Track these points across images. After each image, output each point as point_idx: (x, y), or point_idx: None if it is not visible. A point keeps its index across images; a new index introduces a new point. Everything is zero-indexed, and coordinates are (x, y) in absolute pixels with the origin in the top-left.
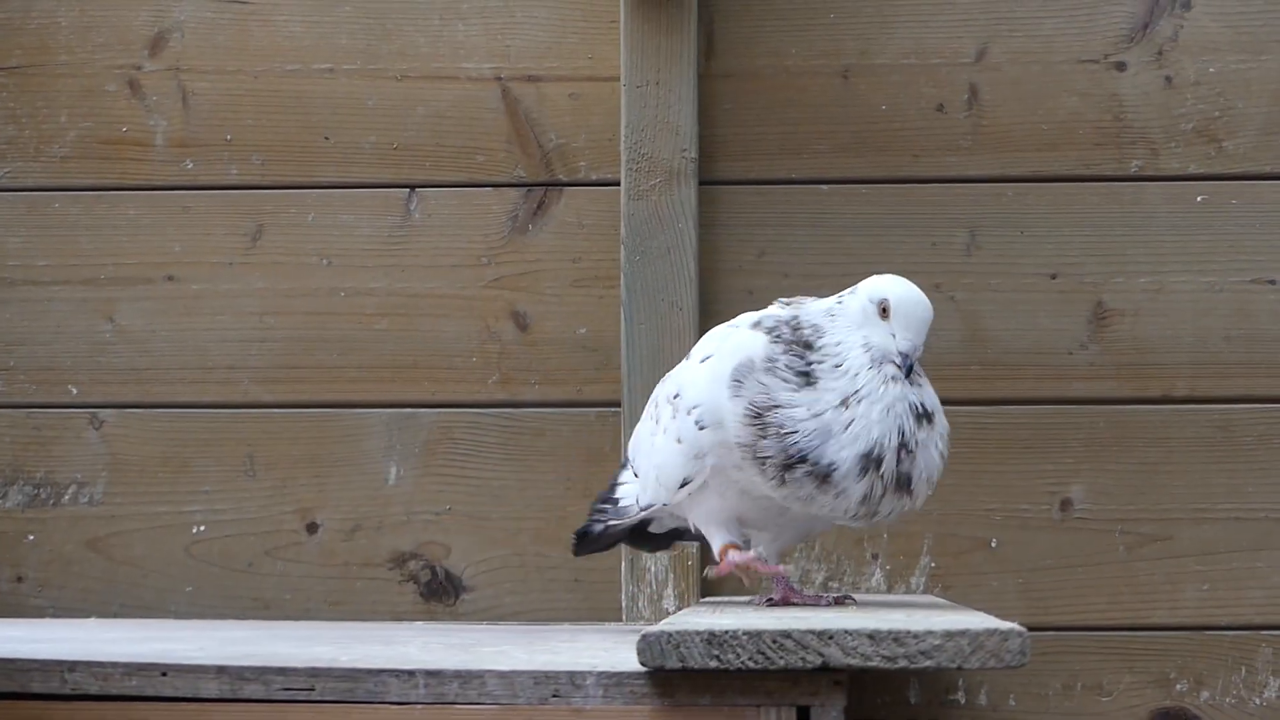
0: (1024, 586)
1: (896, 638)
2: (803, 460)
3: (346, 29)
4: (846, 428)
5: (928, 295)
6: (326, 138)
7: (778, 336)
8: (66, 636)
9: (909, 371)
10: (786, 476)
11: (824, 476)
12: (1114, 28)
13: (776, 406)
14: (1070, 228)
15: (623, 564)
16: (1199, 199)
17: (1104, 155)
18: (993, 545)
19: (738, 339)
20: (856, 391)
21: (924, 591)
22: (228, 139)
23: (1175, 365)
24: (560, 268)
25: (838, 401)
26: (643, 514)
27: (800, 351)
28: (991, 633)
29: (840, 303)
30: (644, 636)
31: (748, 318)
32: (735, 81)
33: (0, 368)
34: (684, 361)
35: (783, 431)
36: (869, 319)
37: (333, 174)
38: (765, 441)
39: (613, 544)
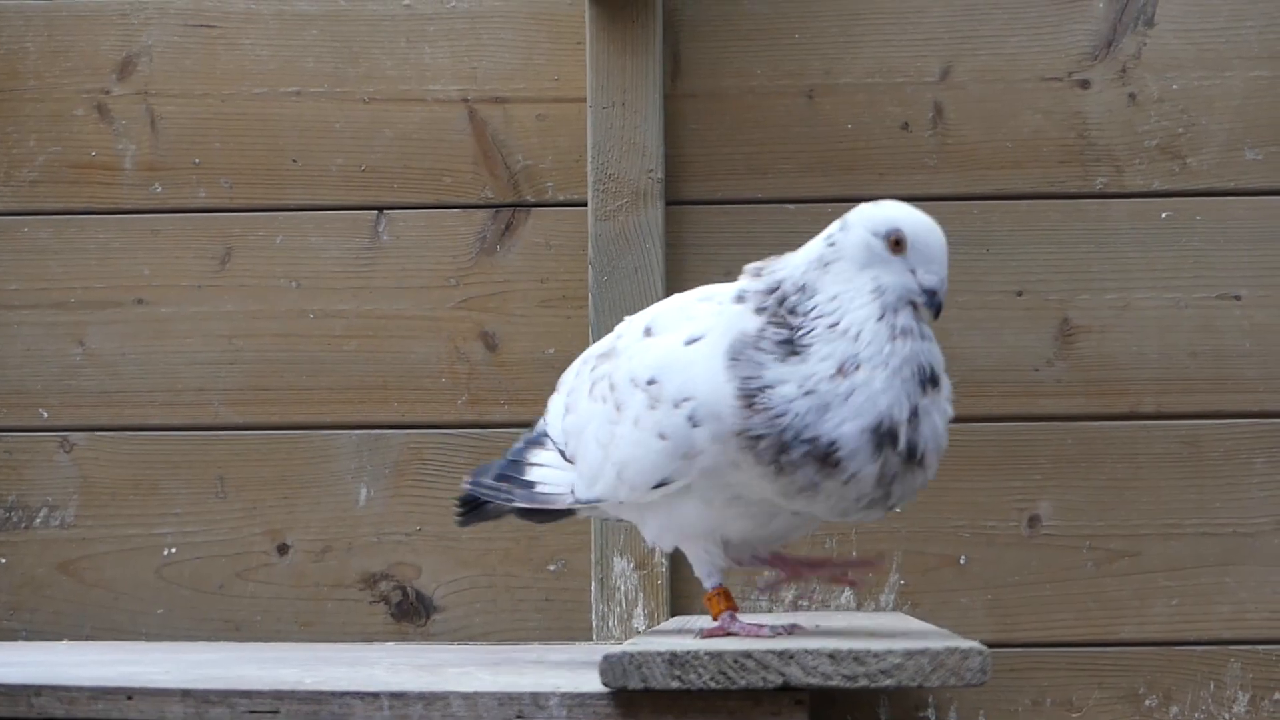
0: (993, 603)
1: (857, 657)
2: (800, 441)
3: (313, 52)
4: (847, 399)
5: None
6: (294, 160)
7: (762, 308)
8: (35, 660)
9: (938, 311)
10: (783, 460)
11: (824, 457)
12: (1077, 45)
13: (766, 387)
14: (1035, 245)
15: (593, 584)
16: (1163, 215)
17: (1069, 172)
18: (961, 562)
19: (729, 316)
20: (855, 355)
21: (893, 609)
22: (196, 162)
23: (1142, 381)
24: (528, 288)
25: (833, 370)
26: (576, 505)
27: (784, 318)
28: (952, 651)
29: (832, 244)
30: (606, 657)
31: (724, 290)
32: (701, 102)
33: None
34: (639, 333)
35: (772, 414)
36: (875, 256)
37: (301, 196)
38: (757, 424)
39: (500, 516)
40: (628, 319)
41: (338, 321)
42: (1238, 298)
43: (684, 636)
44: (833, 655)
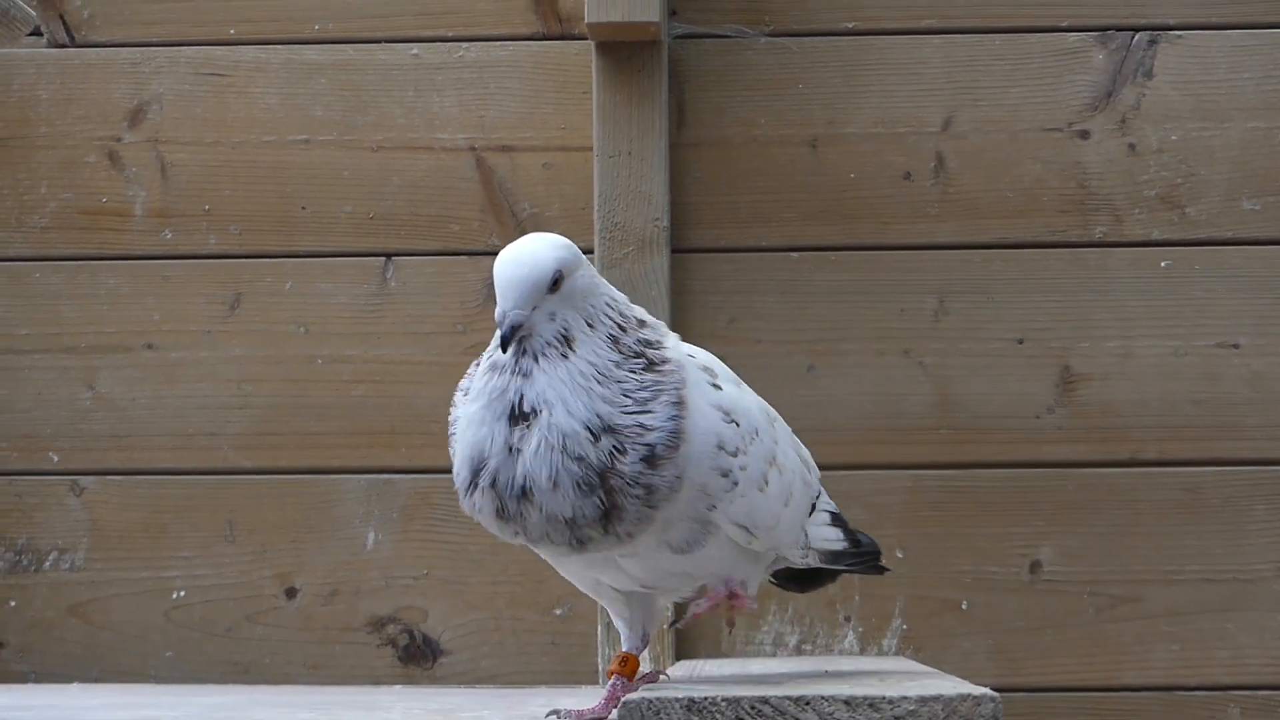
0: (995, 648)
1: (872, 703)
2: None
3: (323, 100)
4: (459, 435)
5: (896, 360)
6: (303, 207)
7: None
8: (50, 703)
9: (505, 342)
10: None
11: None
12: (1078, 96)
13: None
14: (1037, 293)
15: (599, 628)
16: (1163, 264)
17: (1069, 221)
18: (964, 607)
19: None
20: (468, 389)
21: (896, 653)
22: (206, 209)
23: (1143, 429)
24: None
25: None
26: None
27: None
28: (965, 698)
29: None
30: (624, 703)
31: None
32: (706, 151)
33: None
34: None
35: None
36: None
37: (310, 243)
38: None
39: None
40: None
41: (346, 367)
42: (1237, 346)
43: (703, 678)
44: (849, 701)
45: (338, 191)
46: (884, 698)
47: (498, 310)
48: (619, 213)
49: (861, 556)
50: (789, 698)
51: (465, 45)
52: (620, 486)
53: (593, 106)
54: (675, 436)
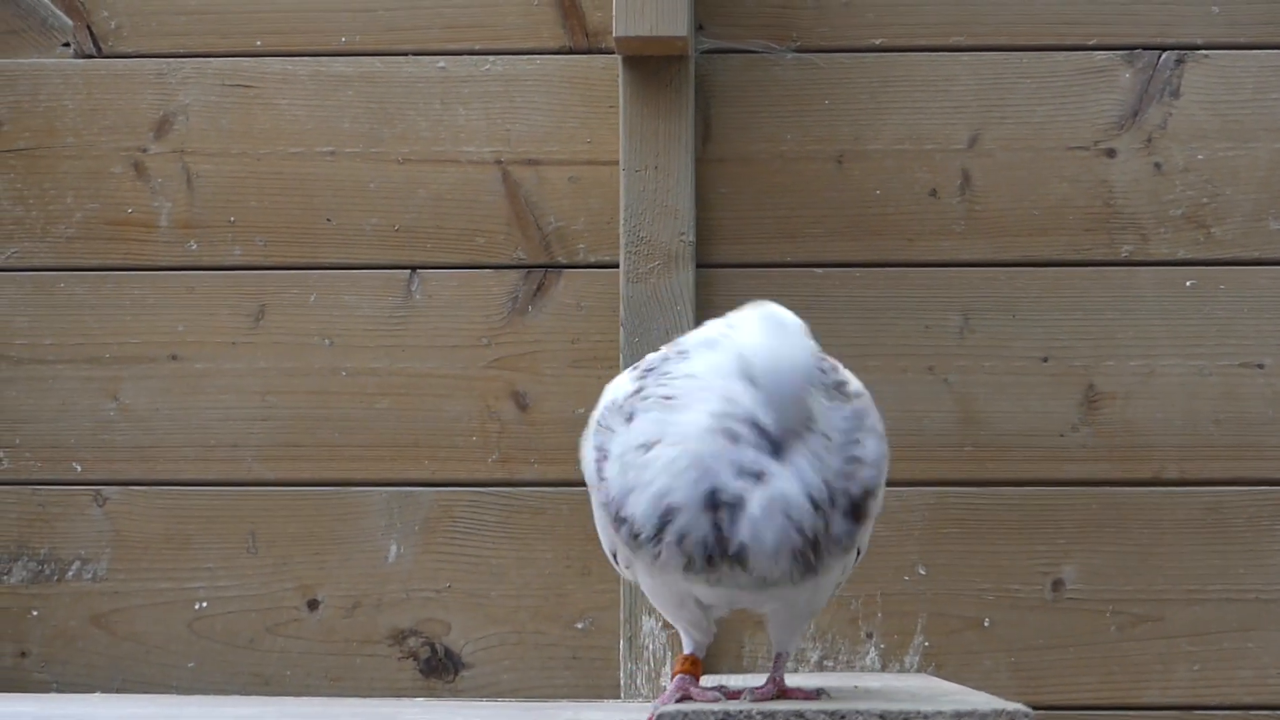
0: (1016, 665)
1: (907, 717)
2: (618, 517)
3: (349, 113)
4: (642, 470)
5: (920, 377)
6: (329, 220)
7: (638, 372)
8: (76, 713)
9: (780, 449)
10: (623, 534)
11: (627, 529)
12: (1104, 115)
13: (607, 456)
14: (1061, 311)
15: (621, 642)
16: (1188, 284)
17: (1094, 240)
18: (985, 624)
19: (613, 382)
20: (665, 434)
21: (917, 670)
22: (231, 220)
23: (1166, 448)
24: (559, 349)
25: (640, 440)
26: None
27: (648, 382)
28: (999, 713)
29: (729, 329)
30: (661, 716)
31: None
32: (732, 166)
33: (6, 445)
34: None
35: (607, 485)
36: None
37: (335, 255)
38: (603, 495)
39: None
40: None
41: (370, 379)
42: (1261, 366)
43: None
44: (883, 716)
45: (363, 204)
46: (919, 712)
47: (773, 423)
48: (645, 227)
49: None
50: (824, 711)
51: (492, 59)
52: (828, 547)
53: (619, 121)
54: (880, 473)
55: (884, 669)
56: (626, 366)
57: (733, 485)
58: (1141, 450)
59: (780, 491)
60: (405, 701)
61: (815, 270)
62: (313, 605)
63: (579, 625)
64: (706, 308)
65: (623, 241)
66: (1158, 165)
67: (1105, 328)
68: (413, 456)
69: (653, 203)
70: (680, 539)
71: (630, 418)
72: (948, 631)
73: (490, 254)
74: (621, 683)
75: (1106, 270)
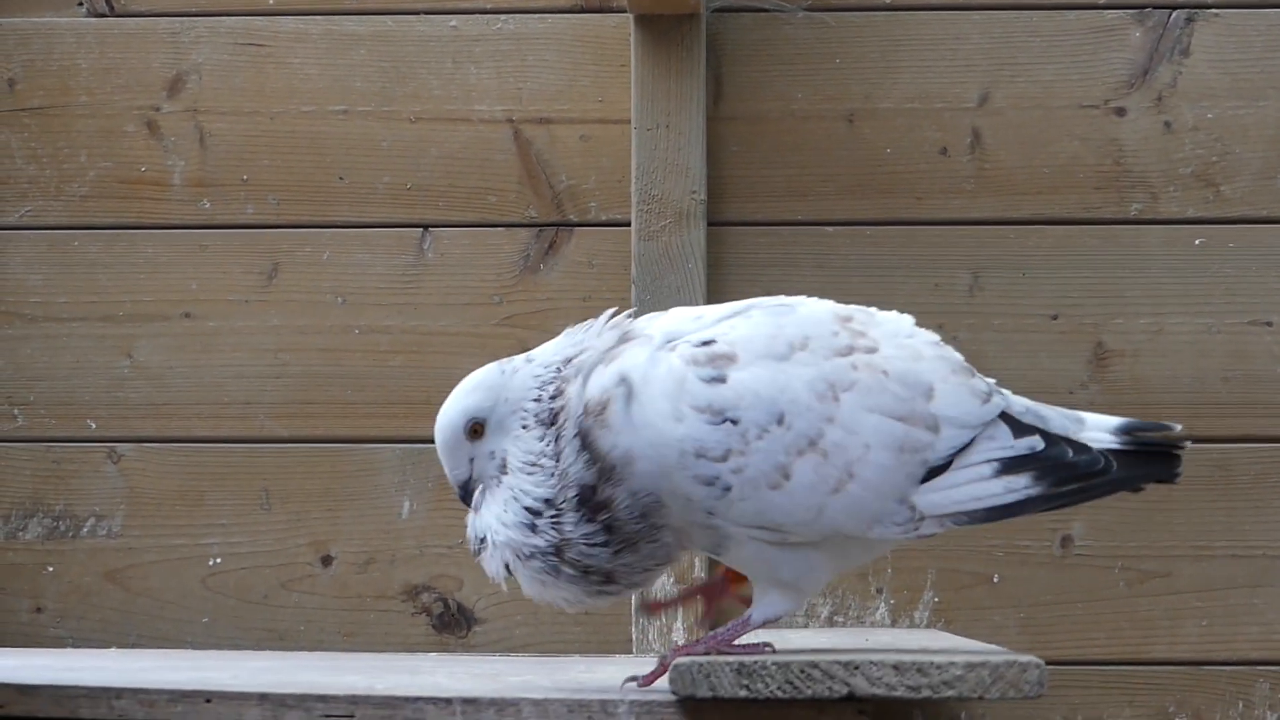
0: (1025, 621)
1: (920, 668)
2: None
3: (361, 72)
4: None
5: (932, 332)
6: (341, 178)
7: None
8: (99, 665)
9: (465, 501)
10: None
11: None
12: (1114, 74)
13: None
14: (1071, 269)
15: (633, 598)
16: (1197, 242)
17: (1104, 198)
18: (995, 580)
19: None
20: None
21: (927, 625)
22: (244, 179)
23: (1174, 405)
24: (571, 306)
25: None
26: None
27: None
28: (1011, 664)
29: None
30: (676, 666)
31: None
32: (743, 124)
33: (21, 402)
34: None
35: None
36: None
37: (347, 214)
38: None
39: None
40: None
41: (383, 337)
42: (1269, 324)
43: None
44: (897, 666)
45: (376, 162)
46: (932, 663)
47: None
48: (656, 185)
49: (1081, 489)
50: (838, 662)
51: (503, 17)
52: (577, 555)
53: (631, 79)
54: (605, 464)
55: (894, 624)
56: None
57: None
58: (1150, 407)
59: (498, 544)
60: (422, 656)
61: (825, 228)
62: (326, 561)
63: None
64: (717, 265)
65: (634, 199)
66: (1167, 124)
67: (1114, 286)
68: (425, 414)
69: (664, 161)
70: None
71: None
72: (957, 587)
73: (502, 212)
74: (633, 638)
75: (1116, 228)
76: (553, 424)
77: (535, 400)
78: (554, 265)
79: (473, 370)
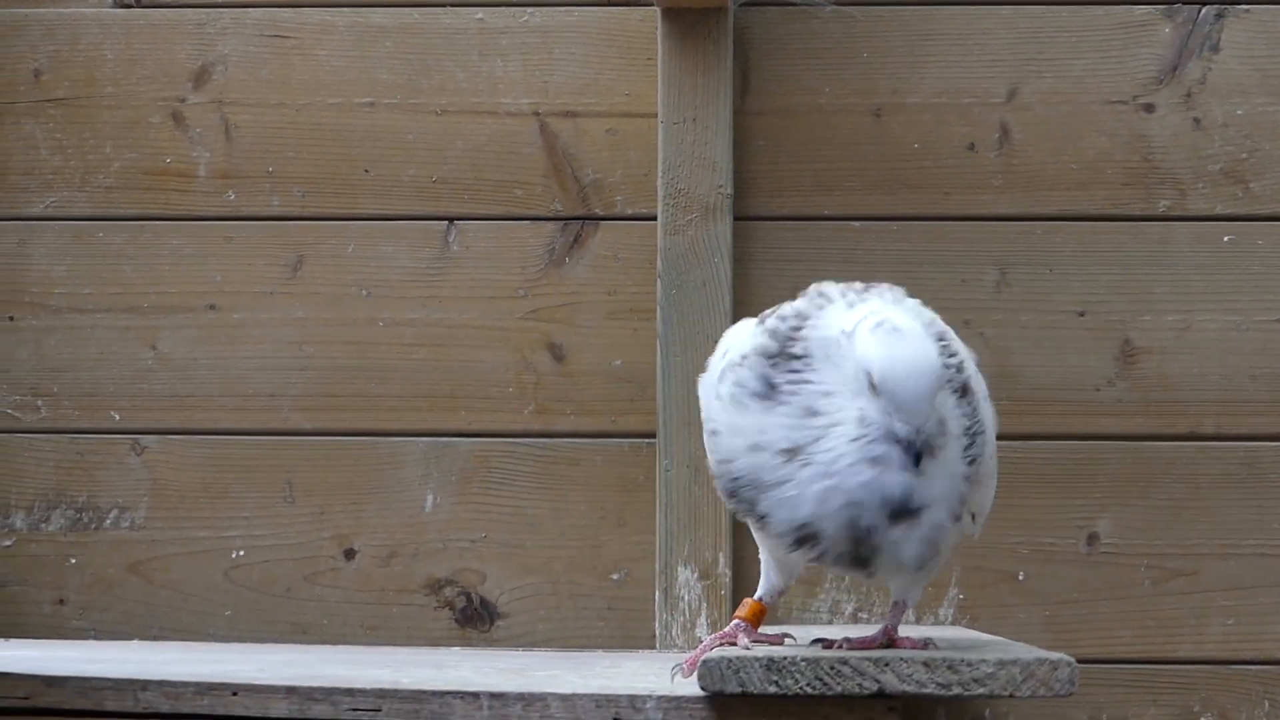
0: (1050, 619)
1: (951, 665)
2: (734, 496)
3: (387, 64)
4: (783, 481)
5: (957, 331)
6: (367, 170)
7: (769, 327)
8: (123, 658)
9: (918, 458)
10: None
11: (751, 514)
12: (1143, 70)
13: (716, 431)
14: (1098, 266)
15: (656, 593)
16: (1226, 239)
17: (1132, 195)
18: (1020, 578)
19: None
20: (805, 445)
21: (951, 623)
22: (269, 171)
23: (1202, 403)
24: (596, 300)
25: (779, 443)
26: None
27: (785, 340)
28: (1042, 662)
29: (846, 335)
30: (705, 661)
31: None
32: (770, 119)
33: (44, 394)
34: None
35: (718, 457)
36: (861, 386)
37: (373, 206)
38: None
39: None
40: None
41: (407, 330)
42: None
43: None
44: (927, 664)
45: (401, 155)
46: (963, 660)
47: (902, 428)
48: (683, 179)
49: None
50: (869, 658)
51: (530, 10)
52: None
53: (658, 73)
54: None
55: (918, 621)
56: (661, 320)
57: (882, 524)
58: (1177, 405)
59: (932, 524)
60: (445, 650)
61: (852, 223)
62: (349, 554)
63: (614, 576)
64: (743, 261)
65: (660, 193)
66: (1196, 120)
67: (1142, 283)
68: (449, 407)
69: (691, 155)
70: (819, 556)
71: (761, 393)
72: (982, 585)
73: (527, 205)
74: (657, 634)
75: (1144, 225)
76: (964, 395)
77: (949, 365)
78: (579, 259)
79: (494, 364)
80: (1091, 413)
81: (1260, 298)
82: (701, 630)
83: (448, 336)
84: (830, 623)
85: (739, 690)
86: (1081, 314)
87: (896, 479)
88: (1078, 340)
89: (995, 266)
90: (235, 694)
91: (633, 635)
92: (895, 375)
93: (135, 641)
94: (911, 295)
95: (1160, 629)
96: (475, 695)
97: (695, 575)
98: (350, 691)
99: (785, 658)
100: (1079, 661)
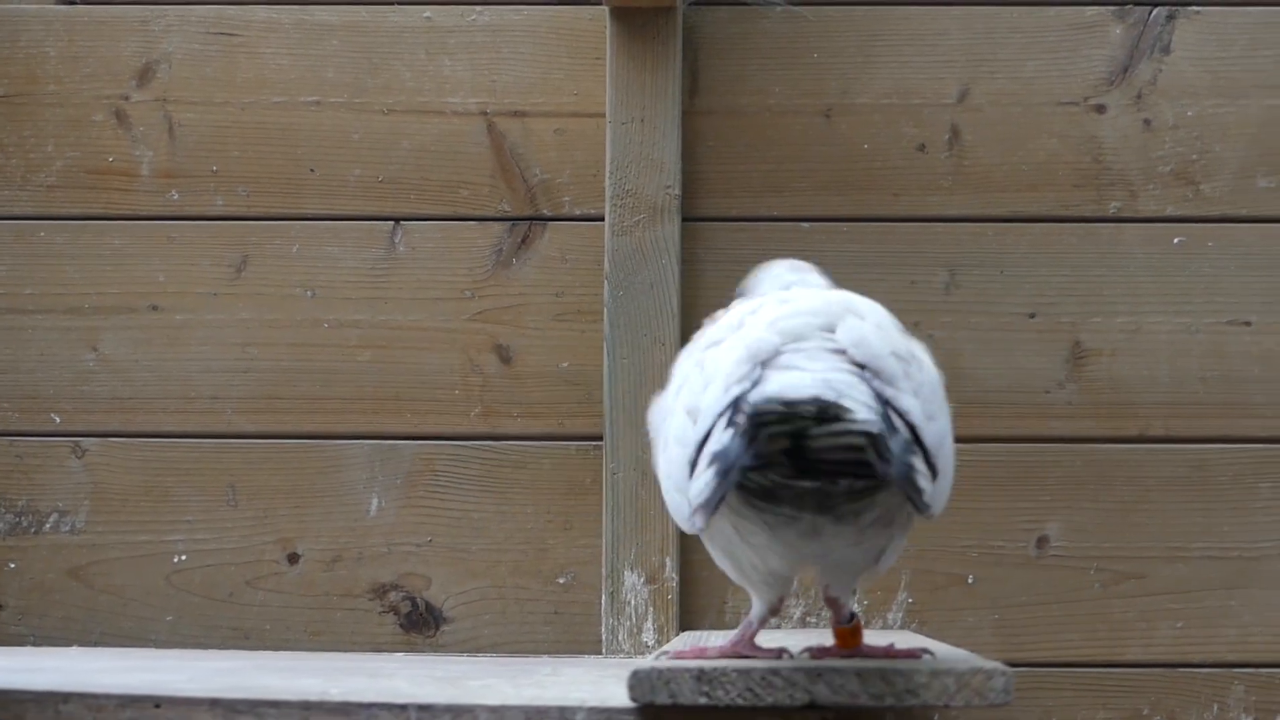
0: (1000, 623)
1: (884, 676)
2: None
3: (333, 63)
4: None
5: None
6: (312, 170)
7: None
8: (54, 666)
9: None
10: None
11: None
12: (1094, 71)
13: None
14: (1049, 268)
15: (603, 598)
16: (1176, 241)
17: (1083, 196)
18: (969, 581)
19: None
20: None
21: (901, 627)
22: (214, 170)
23: (1151, 405)
24: (543, 302)
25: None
26: None
27: None
28: (976, 671)
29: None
30: (635, 673)
31: None
32: (719, 119)
33: None
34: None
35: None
36: None
37: (318, 206)
38: None
39: None
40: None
41: (352, 332)
42: (1248, 324)
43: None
44: (860, 674)
45: (347, 154)
46: (896, 670)
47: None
48: (630, 180)
49: None
50: (800, 669)
51: (478, 9)
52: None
53: (606, 73)
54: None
55: (867, 625)
56: (609, 321)
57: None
58: (1127, 407)
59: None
60: (386, 657)
61: (802, 224)
62: (293, 559)
63: (560, 580)
64: (692, 261)
65: (608, 194)
66: (1147, 121)
67: (1092, 284)
68: (394, 409)
69: (639, 155)
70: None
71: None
72: (931, 588)
73: (475, 206)
74: (603, 638)
75: (1094, 226)
76: None
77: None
78: (527, 260)
79: (441, 366)
80: (1041, 415)
81: (1210, 300)
82: (648, 635)
83: (393, 338)
84: (779, 627)
85: (670, 701)
86: (1032, 316)
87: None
88: (1028, 342)
89: (945, 268)
90: (158, 706)
91: (579, 640)
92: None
93: (74, 647)
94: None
95: (1109, 632)
96: (402, 707)
97: (642, 579)
98: (276, 704)
99: (716, 669)
100: (1028, 665)
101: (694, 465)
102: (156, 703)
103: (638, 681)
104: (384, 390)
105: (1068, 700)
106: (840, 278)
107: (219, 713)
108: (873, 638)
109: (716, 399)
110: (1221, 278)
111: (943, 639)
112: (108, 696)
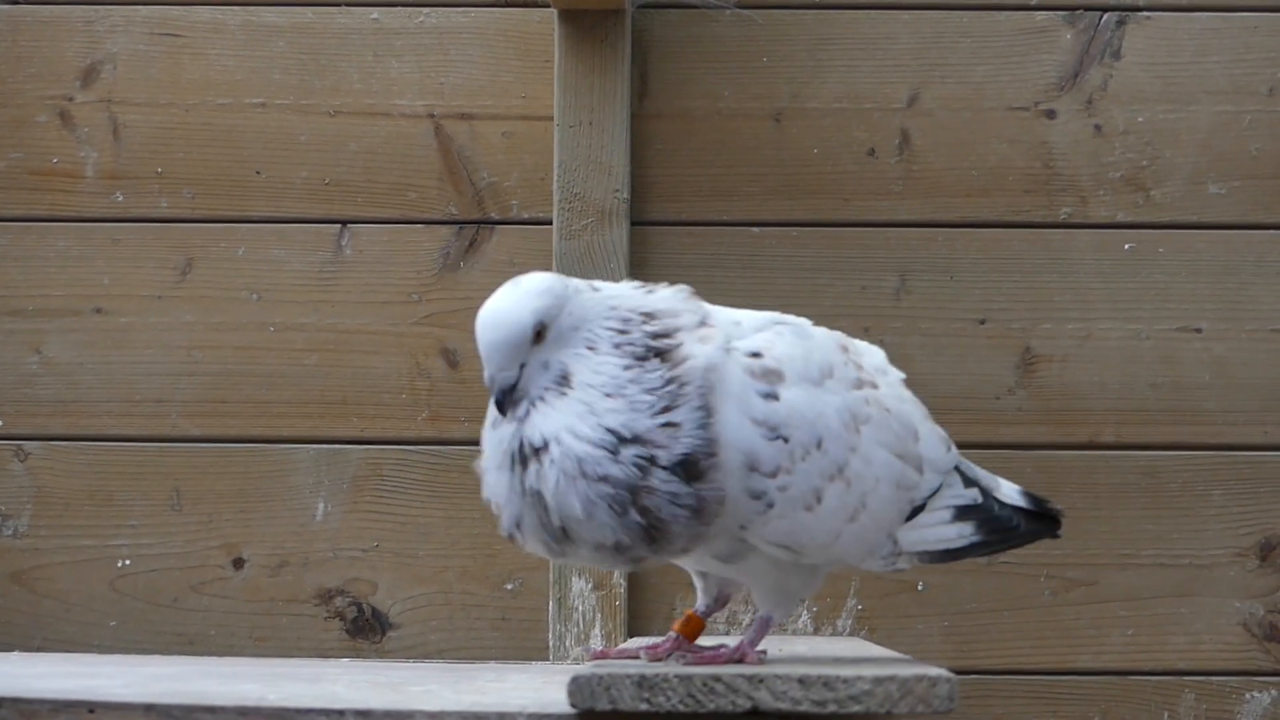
0: (949, 629)
1: (826, 683)
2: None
3: (280, 64)
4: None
5: (859, 338)
6: (258, 172)
7: None
8: None
9: (500, 407)
10: None
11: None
12: (1044, 76)
13: None
14: (999, 273)
15: (550, 604)
16: (1127, 247)
17: (1033, 202)
18: (919, 588)
19: None
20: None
21: (850, 633)
22: (158, 172)
23: (1102, 412)
24: None
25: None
26: None
27: None
28: (920, 678)
29: None
30: (575, 679)
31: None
32: (668, 122)
33: None
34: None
35: None
36: None
37: (264, 208)
38: None
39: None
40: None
41: (299, 335)
42: (1199, 330)
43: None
44: (802, 680)
45: (293, 157)
46: (839, 677)
47: (485, 374)
48: (578, 183)
49: (1003, 539)
50: (742, 675)
51: (426, 10)
52: (657, 505)
53: (554, 75)
54: (711, 443)
55: (816, 632)
56: None
57: (520, 475)
58: (1078, 414)
59: (564, 451)
60: (330, 662)
61: (752, 229)
62: (238, 564)
63: (508, 586)
64: (640, 266)
65: (556, 198)
66: (1098, 127)
67: (1043, 290)
68: (341, 414)
69: (587, 159)
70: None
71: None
72: (881, 594)
73: (422, 209)
74: (550, 644)
75: (1045, 232)
76: (655, 356)
77: (617, 330)
78: (474, 263)
79: (387, 370)
80: (992, 421)
81: (1161, 306)
82: (596, 642)
83: (340, 342)
84: (728, 634)
85: (610, 708)
86: (982, 322)
87: (506, 430)
88: (978, 348)
89: (895, 273)
90: (92, 711)
91: (526, 646)
92: (479, 323)
93: (15, 653)
94: (811, 303)
95: (1060, 639)
96: (340, 713)
97: (589, 586)
98: (212, 709)
99: (657, 675)
100: (978, 673)
101: None
102: (90, 708)
103: (578, 688)
104: (330, 394)
105: (1018, 708)
106: (790, 283)
107: (153, 718)
108: (821, 645)
109: None
110: (1172, 284)
111: (893, 646)
112: (41, 701)
